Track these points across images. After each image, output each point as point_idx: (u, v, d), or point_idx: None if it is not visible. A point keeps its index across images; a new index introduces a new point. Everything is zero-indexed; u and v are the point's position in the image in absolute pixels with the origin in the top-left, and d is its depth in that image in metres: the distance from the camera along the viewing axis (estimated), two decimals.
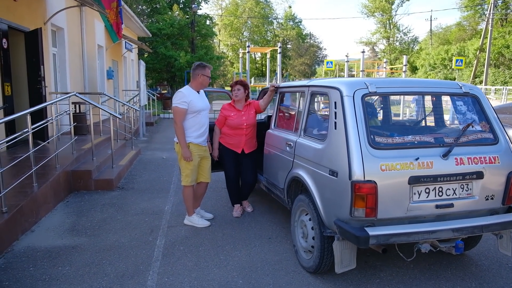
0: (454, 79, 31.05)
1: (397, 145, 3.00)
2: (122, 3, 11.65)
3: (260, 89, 19.83)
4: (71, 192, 5.97)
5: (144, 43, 30.44)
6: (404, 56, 16.49)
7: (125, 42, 16.45)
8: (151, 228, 4.59)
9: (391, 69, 30.35)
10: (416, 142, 3.05)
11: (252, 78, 58.46)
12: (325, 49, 77.02)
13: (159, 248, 4.07)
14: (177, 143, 4.36)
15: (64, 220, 4.87)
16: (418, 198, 2.97)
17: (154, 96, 17.30)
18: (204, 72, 4.33)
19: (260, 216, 4.96)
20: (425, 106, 3.98)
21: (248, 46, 14.20)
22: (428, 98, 3.78)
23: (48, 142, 6.82)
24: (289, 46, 56.69)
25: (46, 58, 8.35)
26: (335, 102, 3.15)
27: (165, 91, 32.70)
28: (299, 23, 62.10)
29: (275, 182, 4.24)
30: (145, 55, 31.71)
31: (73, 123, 8.86)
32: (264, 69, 65.73)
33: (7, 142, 5.69)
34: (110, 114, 6.88)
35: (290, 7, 66.50)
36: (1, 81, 6.60)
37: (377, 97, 3.19)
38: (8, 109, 6.74)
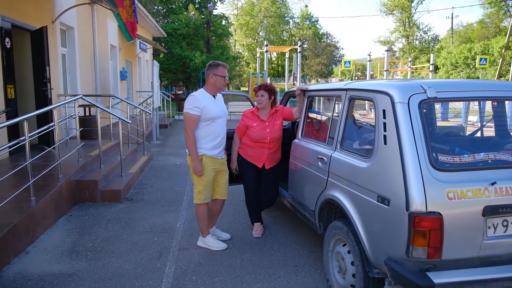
0: (478, 78, 29.87)
1: (467, 165, 2.35)
2: (136, 1, 11.20)
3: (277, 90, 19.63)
4: (76, 204, 5.46)
5: (159, 43, 30.17)
6: (432, 55, 15.63)
7: (140, 42, 16.11)
8: (160, 251, 4.01)
9: (414, 68, 29.32)
10: (490, 161, 2.39)
11: (269, 78, 57.75)
12: (342, 48, 76.16)
13: (168, 277, 3.49)
14: (189, 154, 3.79)
15: (64, 239, 4.33)
16: (494, 233, 2.32)
17: (169, 97, 16.82)
18: (216, 71, 3.73)
19: (284, 237, 4.35)
20: (485, 112, 3.30)
21: (266, 45, 13.59)
22: (487, 104, 3.10)
23: (53, 148, 6.33)
24: (305, 45, 55.88)
25: (54, 59, 7.91)
26: (384, 111, 2.51)
27: (181, 92, 32.38)
28: (315, 23, 61.19)
29: (304, 202, 3.62)
30: (161, 56, 31.42)
31: (81, 127, 8.52)
32: (280, 69, 65.20)
33: (9, 147, 5.25)
34: (119, 118, 6.34)
35: (306, 6, 64.90)
36: (3, 83, 6.14)
37: (437, 103, 2.54)
38: (11, 112, 6.29)
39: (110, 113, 6.47)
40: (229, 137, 4.17)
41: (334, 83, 3.79)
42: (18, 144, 4.47)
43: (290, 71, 39.89)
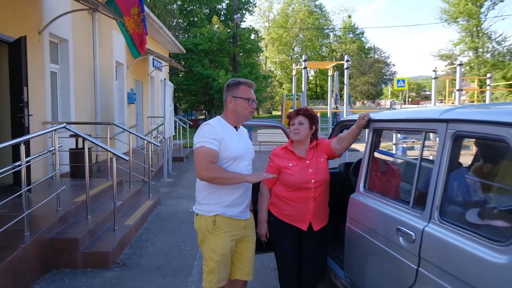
0: None
1: None
2: (146, 9, 10.81)
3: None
4: (47, 272, 4.71)
5: (178, 60, 30.33)
6: None
7: (153, 58, 15.99)
8: None
9: (480, 86, 27.91)
10: None
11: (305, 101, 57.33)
12: (393, 65, 75.01)
13: None
14: (197, 215, 3.10)
15: None
16: None
17: (186, 124, 16.31)
18: (237, 93, 3.10)
19: None
20: None
21: (305, 61, 12.85)
22: None
23: (29, 191, 5.71)
24: (348, 62, 55.42)
25: (40, 77, 7.47)
26: None
27: (202, 117, 32.20)
28: (360, 35, 60.91)
29: None
30: (180, 75, 31.51)
31: (73, 162, 8.00)
32: (318, 90, 64.93)
33: None
34: (113, 154, 5.69)
35: (349, 16, 64.47)
36: None
37: None
38: None
39: (98, 145, 5.92)
40: (256, 187, 3.49)
41: (419, 109, 2.93)
42: None
43: (332, 91, 39.29)
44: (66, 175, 7.93)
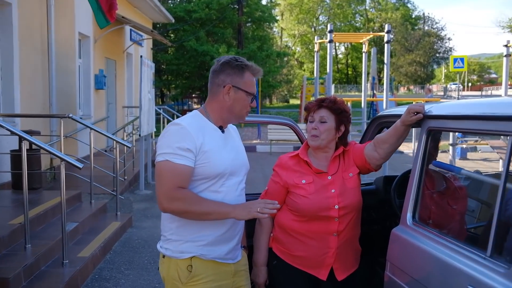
0: None
1: None
2: None
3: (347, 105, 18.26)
4: None
5: (166, 33, 30.21)
6: None
7: (130, 30, 16.25)
8: None
9: None
10: None
11: (333, 86, 57.01)
12: (449, 39, 74.49)
13: None
14: (164, 256, 2.92)
15: None
16: None
17: (174, 117, 16.14)
18: (240, 81, 2.89)
19: None
20: None
21: (331, 32, 12.49)
22: None
23: None
24: (390, 33, 55.21)
25: None
26: None
27: (197, 107, 32.14)
28: (405, 0, 60.70)
29: None
30: (169, 52, 31.48)
31: (16, 169, 7.80)
32: (350, 72, 64.80)
33: None
34: (61, 159, 5.66)
35: None
36: None
37: None
38: None
39: (40, 146, 5.78)
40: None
41: (503, 100, 2.69)
42: None
43: (367, 74, 38.91)
44: (6, 186, 7.93)
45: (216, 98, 2.92)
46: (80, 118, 10.29)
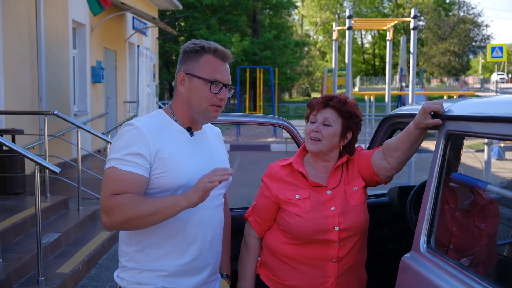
0: None
1: None
2: None
3: (371, 100, 18.22)
4: None
5: (175, 20, 30.07)
6: None
7: (133, 17, 16.26)
8: None
9: None
10: None
11: (358, 78, 57.29)
12: (486, 26, 73.78)
13: None
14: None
15: None
16: None
17: None
18: (194, 67, 2.67)
19: None
20: None
21: (350, 18, 12.17)
22: None
23: None
24: (421, 22, 54.73)
25: None
26: None
27: None
28: None
29: None
30: (179, 42, 31.63)
31: None
32: (377, 63, 64.31)
33: None
34: (36, 162, 5.60)
35: None
36: None
37: None
38: None
39: (11, 147, 5.90)
40: (237, 232, 3.26)
41: None
42: None
43: (395, 65, 38.62)
44: None
45: (176, 92, 2.74)
46: (75, 114, 10.24)
